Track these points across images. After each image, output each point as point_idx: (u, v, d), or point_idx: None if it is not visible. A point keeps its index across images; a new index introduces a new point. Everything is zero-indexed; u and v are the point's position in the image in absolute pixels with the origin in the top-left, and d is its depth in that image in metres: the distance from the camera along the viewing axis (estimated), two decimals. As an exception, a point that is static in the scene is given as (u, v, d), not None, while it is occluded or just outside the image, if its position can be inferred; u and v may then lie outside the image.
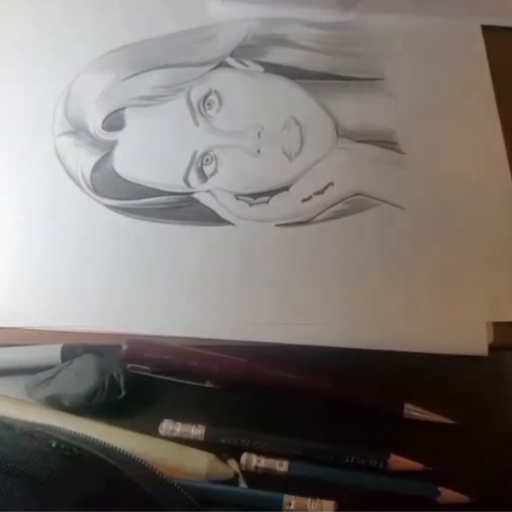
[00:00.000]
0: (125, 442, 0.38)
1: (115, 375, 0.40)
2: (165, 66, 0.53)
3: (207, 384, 0.41)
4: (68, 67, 0.53)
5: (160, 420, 0.40)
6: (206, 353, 0.42)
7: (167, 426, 0.40)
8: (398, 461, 0.38)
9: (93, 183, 0.48)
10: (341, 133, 0.50)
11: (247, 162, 0.49)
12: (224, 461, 0.39)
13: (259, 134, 0.50)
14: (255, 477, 0.39)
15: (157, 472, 0.34)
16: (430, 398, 0.40)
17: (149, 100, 0.51)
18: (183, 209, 0.47)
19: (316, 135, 0.50)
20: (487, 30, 0.53)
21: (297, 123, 0.50)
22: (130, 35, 0.54)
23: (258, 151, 0.49)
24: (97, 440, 0.34)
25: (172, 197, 0.48)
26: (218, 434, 0.40)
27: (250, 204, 0.47)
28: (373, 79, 0.52)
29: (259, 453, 0.39)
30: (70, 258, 0.46)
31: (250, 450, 0.39)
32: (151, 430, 0.40)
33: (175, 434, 0.40)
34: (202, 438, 0.39)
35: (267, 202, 0.48)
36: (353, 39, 0.53)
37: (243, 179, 0.48)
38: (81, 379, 0.40)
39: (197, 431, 0.40)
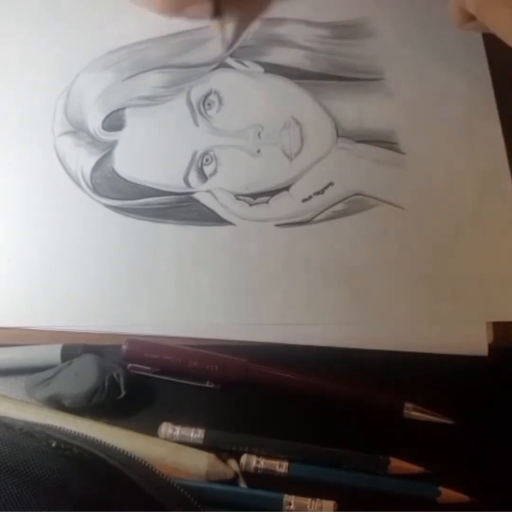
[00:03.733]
0: (125, 442, 0.38)
1: (115, 375, 0.40)
2: (165, 67, 0.53)
3: (207, 384, 0.41)
4: (68, 67, 0.53)
5: (160, 420, 0.40)
6: (206, 353, 0.42)
7: (166, 430, 0.40)
8: (399, 466, 0.38)
9: (93, 183, 0.48)
10: (341, 133, 0.50)
11: (247, 162, 0.49)
12: (224, 461, 0.39)
13: (259, 134, 0.50)
14: (255, 478, 0.39)
15: (157, 472, 0.34)
16: (430, 398, 0.40)
17: (149, 100, 0.51)
18: (183, 209, 0.47)
19: (316, 135, 0.50)
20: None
21: (297, 123, 0.50)
22: (130, 36, 0.54)
23: (258, 151, 0.49)
24: (97, 440, 0.34)
25: (172, 197, 0.48)
26: (217, 439, 0.39)
27: (250, 204, 0.47)
28: (373, 79, 0.52)
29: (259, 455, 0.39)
30: (70, 258, 0.46)
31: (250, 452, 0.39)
32: (151, 430, 0.40)
33: (174, 439, 0.40)
34: (201, 442, 0.39)
35: (267, 202, 0.47)
36: (353, 39, 0.53)
37: (243, 179, 0.48)
38: (81, 379, 0.40)
39: (196, 435, 0.40)
